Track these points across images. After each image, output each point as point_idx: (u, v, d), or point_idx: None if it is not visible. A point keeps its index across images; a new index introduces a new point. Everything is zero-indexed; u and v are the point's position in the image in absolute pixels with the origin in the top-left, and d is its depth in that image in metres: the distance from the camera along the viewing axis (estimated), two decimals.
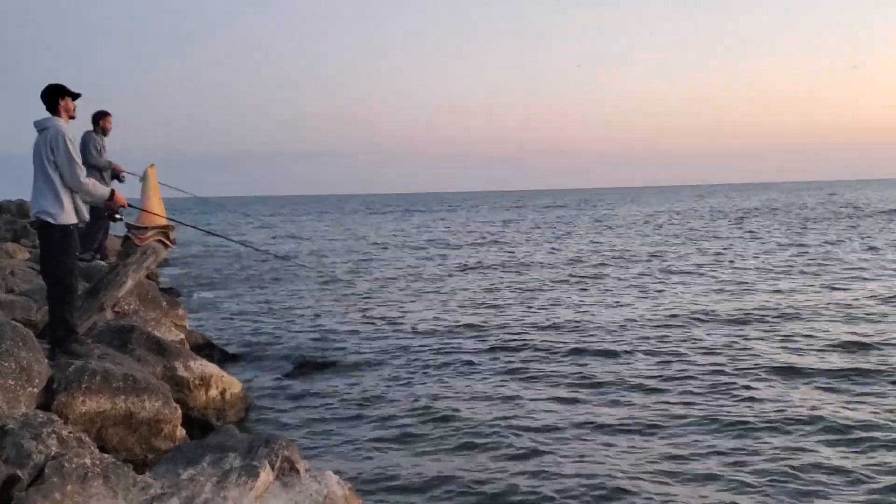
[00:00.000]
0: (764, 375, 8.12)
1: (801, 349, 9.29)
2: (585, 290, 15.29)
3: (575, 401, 7.49)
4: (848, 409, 6.87)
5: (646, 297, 13.82)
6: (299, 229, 43.54)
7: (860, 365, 8.36)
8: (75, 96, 5.71)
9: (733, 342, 9.76)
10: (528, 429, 6.64)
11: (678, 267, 18.64)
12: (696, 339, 10.00)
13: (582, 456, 5.96)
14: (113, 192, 5.87)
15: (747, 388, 7.66)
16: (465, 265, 20.90)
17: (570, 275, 17.81)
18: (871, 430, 6.28)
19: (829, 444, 6.07)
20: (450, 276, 18.64)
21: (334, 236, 36.36)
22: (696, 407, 7.10)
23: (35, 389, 4.78)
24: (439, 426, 6.79)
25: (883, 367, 8.22)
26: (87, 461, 3.79)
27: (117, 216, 6.40)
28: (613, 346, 9.75)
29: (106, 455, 4.06)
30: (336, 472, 4.64)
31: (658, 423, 6.70)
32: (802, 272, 16.79)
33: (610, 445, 6.17)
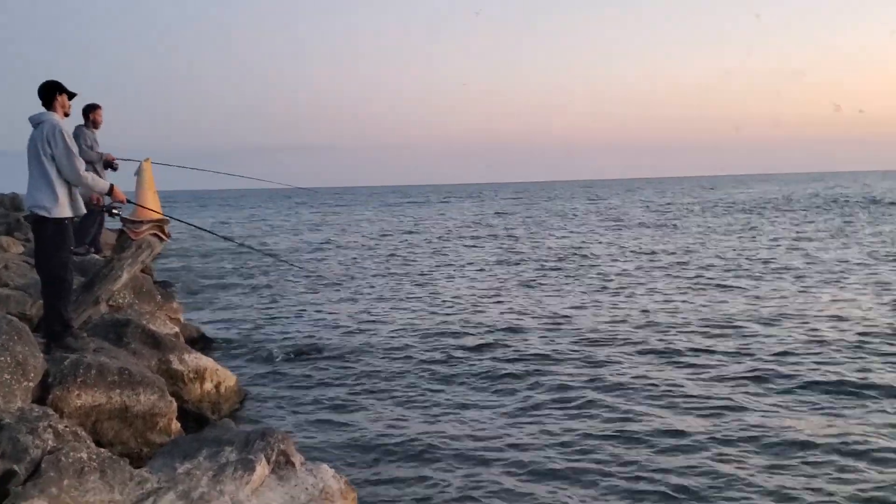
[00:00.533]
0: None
1: None
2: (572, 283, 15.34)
3: (575, 396, 7.52)
4: None
5: None
6: (293, 221, 43.55)
7: None
8: (72, 95, 5.72)
9: None
10: (524, 421, 6.68)
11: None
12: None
13: (582, 454, 5.99)
14: (112, 185, 5.89)
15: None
16: (467, 260, 20.94)
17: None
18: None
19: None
20: (448, 269, 18.68)
21: (328, 229, 36.36)
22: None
23: (30, 384, 4.78)
24: (434, 419, 6.83)
25: None
26: (84, 455, 3.79)
27: (115, 211, 6.40)
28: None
29: (102, 449, 4.07)
30: (331, 465, 4.66)
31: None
32: None
33: (612, 447, 6.14)
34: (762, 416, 6.63)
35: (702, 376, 7.96)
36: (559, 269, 17.83)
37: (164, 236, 6.97)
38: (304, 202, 78.77)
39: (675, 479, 5.36)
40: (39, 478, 3.60)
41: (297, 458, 4.50)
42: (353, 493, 4.56)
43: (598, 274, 16.52)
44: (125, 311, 7.69)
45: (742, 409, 6.86)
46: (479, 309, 12.51)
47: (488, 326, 10.95)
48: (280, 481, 4.28)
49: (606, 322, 10.97)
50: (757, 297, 12.58)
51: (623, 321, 10.98)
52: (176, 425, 5.57)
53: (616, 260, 19.21)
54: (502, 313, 12.01)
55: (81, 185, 5.60)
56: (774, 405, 6.94)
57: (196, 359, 6.98)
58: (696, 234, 25.90)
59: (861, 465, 5.53)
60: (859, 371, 7.90)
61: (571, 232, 29.56)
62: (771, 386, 7.53)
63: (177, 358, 6.77)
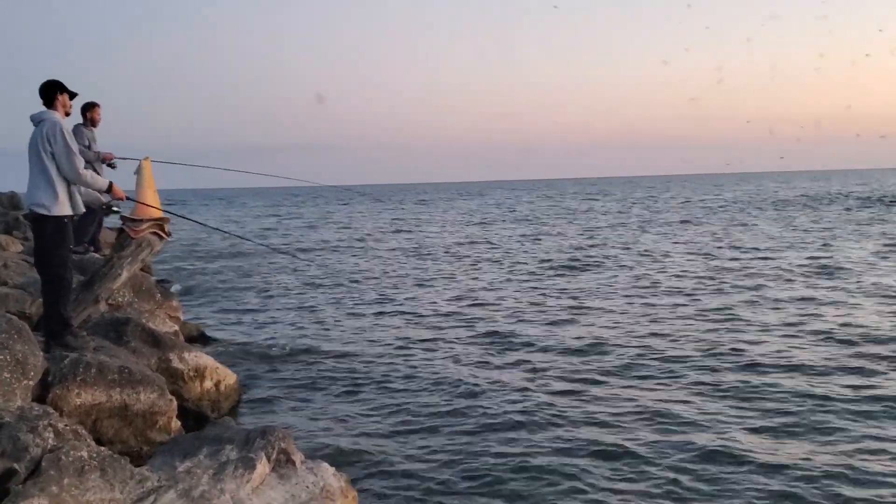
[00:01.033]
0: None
1: None
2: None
3: (579, 391, 7.54)
4: None
5: None
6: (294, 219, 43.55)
7: None
8: (73, 94, 5.73)
9: None
10: (525, 418, 6.68)
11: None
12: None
13: (582, 451, 5.98)
14: (111, 183, 5.89)
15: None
16: (470, 256, 20.94)
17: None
18: None
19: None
20: (450, 263, 18.69)
21: (329, 227, 36.35)
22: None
23: (30, 382, 4.78)
24: (435, 416, 6.83)
25: None
26: (84, 454, 3.79)
27: (114, 209, 6.40)
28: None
29: (103, 448, 4.06)
30: (332, 464, 4.66)
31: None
32: None
33: (615, 446, 6.14)
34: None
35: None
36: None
37: (164, 234, 6.95)
38: (303, 201, 78.69)
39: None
40: (40, 476, 3.59)
41: (298, 457, 4.50)
42: (354, 491, 4.57)
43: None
44: (125, 310, 7.68)
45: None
46: (482, 308, 12.51)
47: (491, 326, 10.94)
48: (281, 480, 4.28)
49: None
50: None
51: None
52: (176, 424, 5.56)
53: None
54: (505, 313, 12.01)
55: (80, 183, 5.60)
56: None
57: (196, 357, 6.98)
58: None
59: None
60: None
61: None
62: None
63: (177, 356, 6.76)
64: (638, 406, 6.99)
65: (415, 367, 8.66)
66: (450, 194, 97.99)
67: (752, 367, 8.15)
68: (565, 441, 6.15)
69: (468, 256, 20.87)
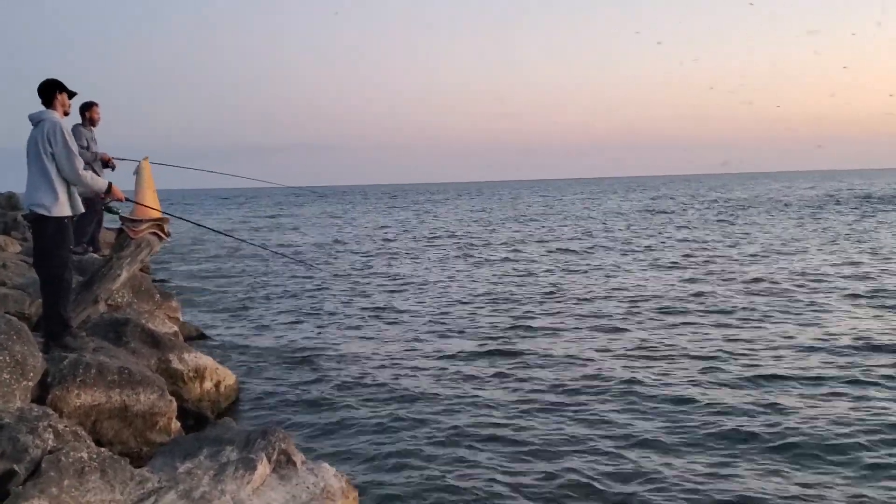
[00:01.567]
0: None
1: None
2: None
3: (580, 394, 7.51)
4: None
5: None
6: (298, 219, 43.52)
7: None
8: (72, 94, 5.72)
9: None
10: (527, 421, 6.66)
11: None
12: None
13: (584, 452, 5.97)
14: (110, 184, 5.88)
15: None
16: (473, 256, 20.94)
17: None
18: None
19: None
20: (451, 266, 18.67)
21: (330, 227, 36.35)
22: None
23: (30, 383, 4.76)
24: (436, 418, 6.81)
25: None
26: (84, 455, 3.78)
27: (113, 209, 6.39)
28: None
29: (103, 449, 4.05)
30: (332, 464, 4.65)
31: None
32: None
33: (619, 447, 6.11)
34: None
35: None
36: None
37: (163, 235, 6.95)
38: (304, 202, 78.64)
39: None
40: (40, 478, 3.58)
41: (299, 457, 4.49)
42: (355, 492, 4.56)
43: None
44: (124, 310, 7.67)
45: None
46: (487, 308, 12.50)
47: (495, 326, 10.93)
48: (281, 480, 4.27)
49: None
50: None
51: None
52: (176, 425, 5.55)
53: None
54: (509, 313, 12.01)
55: (80, 183, 5.60)
56: None
57: (195, 358, 6.97)
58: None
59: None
60: None
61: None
62: None
63: (176, 357, 6.75)
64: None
65: (417, 367, 8.64)
66: (450, 193, 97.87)
67: None
68: (572, 441, 6.14)
69: (476, 256, 20.87)
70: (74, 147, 5.51)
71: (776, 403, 6.89)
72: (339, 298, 13.87)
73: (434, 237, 28.67)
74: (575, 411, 6.92)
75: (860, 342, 9.02)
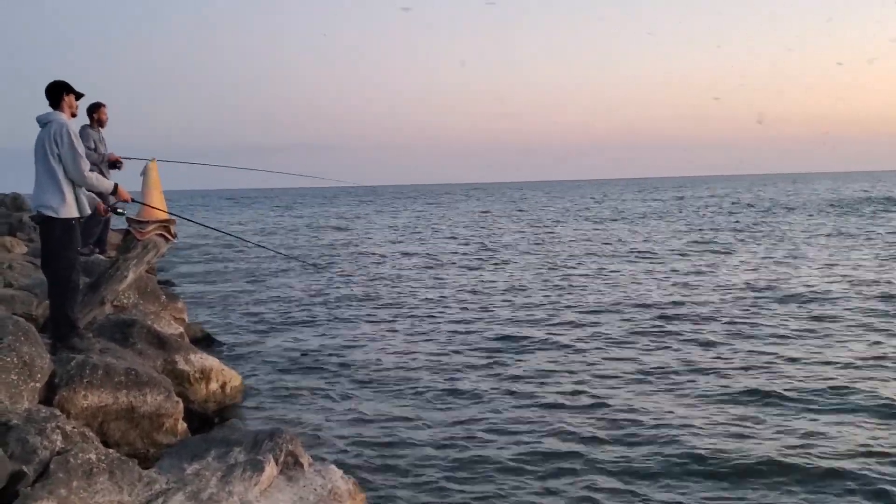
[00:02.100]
0: None
1: None
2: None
3: (587, 393, 7.51)
4: None
5: None
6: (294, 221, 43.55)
7: None
8: (79, 95, 5.73)
9: None
10: (533, 422, 6.65)
11: None
12: None
13: (589, 453, 5.96)
14: (116, 185, 5.89)
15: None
16: (476, 256, 20.92)
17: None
18: None
19: None
20: (457, 265, 18.65)
21: (331, 228, 36.36)
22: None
23: (37, 384, 4.77)
24: (443, 419, 6.80)
25: None
26: (93, 456, 3.78)
27: (119, 210, 6.40)
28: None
29: (111, 450, 4.06)
30: (339, 466, 4.65)
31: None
32: None
33: (622, 448, 6.11)
34: None
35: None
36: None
37: (170, 236, 6.96)
38: (306, 202, 78.72)
39: None
40: (48, 479, 3.58)
41: (306, 459, 4.49)
42: (362, 493, 4.56)
43: None
44: (130, 312, 7.68)
45: None
46: (494, 309, 12.50)
47: (499, 327, 10.93)
48: (289, 482, 4.27)
49: None
50: None
51: None
52: (182, 426, 5.55)
53: None
54: (513, 313, 12.00)
55: (86, 185, 5.61)
56: None
57: (201, 359, 6.98)
58: None
59: None
60: None
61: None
62: None
63: (182, 358, 6.76)
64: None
65: (425, 369, 8.61)
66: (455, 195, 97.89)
67: None
68: (581, 443, 6.14)
69: (479, 256, 20.84)
70: (81, 149, 5.52)
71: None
72: (348, 300, 13.80)
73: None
74: (594, 415, 6.88)
75: None
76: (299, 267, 18.81)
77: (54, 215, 5.45)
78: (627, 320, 11.00)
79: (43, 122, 5.51)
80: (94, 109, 9.81)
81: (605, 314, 11.54)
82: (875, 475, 5.31)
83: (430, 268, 18.83)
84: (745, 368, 8.18)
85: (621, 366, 8.48)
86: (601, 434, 6.31)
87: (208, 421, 6.56)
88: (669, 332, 10.10)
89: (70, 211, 5.50)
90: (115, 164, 9.73)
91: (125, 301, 8.00)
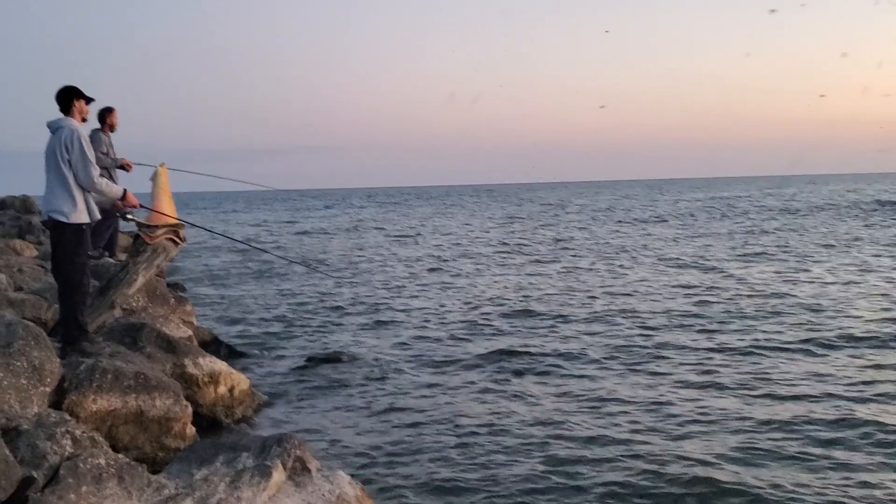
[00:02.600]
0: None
1: None
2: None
3: (590, 397, 7.49)
4: None
5: None
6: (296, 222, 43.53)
7: None
8: (89, 100, 5.77)
9: None
10: (541, 426, 6.63)
11: None
12: None
13: (596, 455, 5.94)
14: (125, 191, 5.92)
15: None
16: (480, 259, 20.90)
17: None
18: None
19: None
20: (465, 270, 18.61)
21: (338, 231, 36.35)
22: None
23: (47, 388, 4.80)
24: (452, 425, 6.77)
25: None
26: (102, 461, 3.79)
27: (129, 216, 6.44)
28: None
29: (120, 455, 4.07)
30: (347, 472, 4.65)
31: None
32: None
33: (626, 448, 6.11)
34: None
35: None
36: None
37: (179, 240, 6.99)
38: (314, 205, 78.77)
39: None
40: (58, 484, 3.59)
41: (314, 465, 4.49)
42: (370, 500, 4.55)
43: None
44: (139, 315, 7.70)
45: None
46: (501, 309, 12.47)
47: (504, 328, 10.90)
48: (297, 488, 4.27)
49: None
50: None
51: None
52: (191, 430, 5.57)
53: None
54: (522, 309, 11.99)
55: (95, 190, 5.64)
56: None
57: (210, 362, 6.97)
58: None
59: None
60: None
61: None
62: None
63: (191, 361, 6.76)
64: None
65: (434, 374, 8.59)
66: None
67: None
68: (589, 444, 6.13)
69: (482, 259, 20.81)
70: (91, 154, 5.55)
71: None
72: (356, 304, 13.76)
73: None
74: (605, 419, 6.87)
75: None
76: (307, 271, 18.79)
77: (65, 220, 5.48)
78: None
79: (54, 127, 5.55)
80: (107, 114, 9.86)
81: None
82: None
83: (435, 270, 18.83)
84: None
85: (638, 377, 8.43)
86: (614, 435, 6.29)
87: (216, 425, 6.57)
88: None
89: (80, 216, 5.54)
90: (123, 166, 9.78)
91: (134, 304, 8.03)
